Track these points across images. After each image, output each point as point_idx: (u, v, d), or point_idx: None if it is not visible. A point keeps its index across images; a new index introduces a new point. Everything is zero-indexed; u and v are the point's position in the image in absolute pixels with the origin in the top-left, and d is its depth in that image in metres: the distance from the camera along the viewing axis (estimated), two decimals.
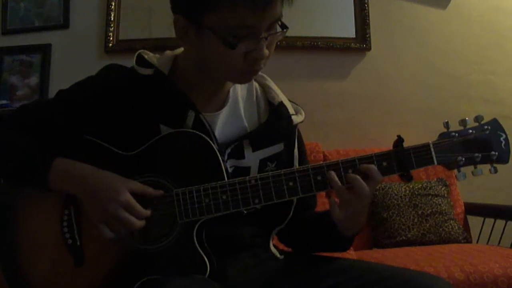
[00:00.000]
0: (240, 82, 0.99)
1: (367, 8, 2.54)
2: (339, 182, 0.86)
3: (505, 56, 2.61)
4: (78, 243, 0.88)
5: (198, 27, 0.85)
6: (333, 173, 0.86)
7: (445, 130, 0.89)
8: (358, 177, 0.85)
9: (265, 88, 1.04)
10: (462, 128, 0.89)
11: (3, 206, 0.94)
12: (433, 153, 0.87)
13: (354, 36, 2.55)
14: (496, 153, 0.88)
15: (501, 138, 0.88)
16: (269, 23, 0.84)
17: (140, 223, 0.84)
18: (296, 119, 1.02)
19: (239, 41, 0.83)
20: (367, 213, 0.91)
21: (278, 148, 0.99)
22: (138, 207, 0.84)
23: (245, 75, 0.92)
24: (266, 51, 0.85)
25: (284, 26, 0.88)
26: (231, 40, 0.82)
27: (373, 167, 0.86)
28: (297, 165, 1.00)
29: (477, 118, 0.89)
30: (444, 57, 2.60)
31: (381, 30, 2.56)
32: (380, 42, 2.56)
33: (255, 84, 1.04)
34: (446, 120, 0.89)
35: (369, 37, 2.54)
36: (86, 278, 0.88)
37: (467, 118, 0.89)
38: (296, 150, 1.02)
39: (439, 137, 0.89)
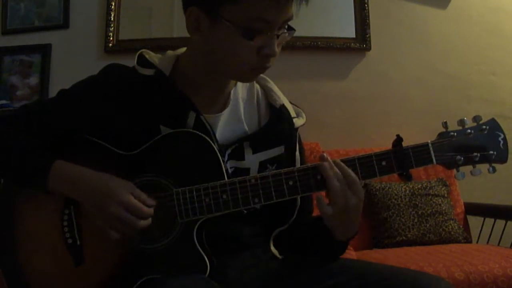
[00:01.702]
0: (245, 80, 0.98)
1: (367, 8, 2.55)
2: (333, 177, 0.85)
3: (505, 56, 2.61)
4: (78, 242, 0.88)
5: (213, 19, 0.85)
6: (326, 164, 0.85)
7: (444, 130, 0.89)
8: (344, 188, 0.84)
9: (266, 90, 1.03)
10: (460, 128, 0.89)
11: (3, 206, 0.94)
12: (432, 152, 0.87)
13: (354, 36, 2.55)
14: (495, 153, 0.88)
15: (500, 138, 0.89)
16: (283, 20, 0.85)
17: (143, 223, 0.84)
18: (297, 122, 1.02)
19: (255, 34, 0.83)
20: (360, 216, 0.90)
21: (278, 150, 0.99)
22: (140, 206, 0.83)
23: (253, 72, 0.91)
24: (277, 49, 0.86)
25: (290, 28, 0.89)
26: (248, 32, 0.83)
27: (349, 171, 0.85)
28: None
29: (476, 118, 0.89)
30: (444, 57, 2.59)
31: (381, 30, 2.57)
32: (380, 42, 2.56)
33: (257, 86, 1.04)
34: (444, 120, 0.89)
35: (369, 37, 2.54)
36: (86, 277, 0.88)
37: (465, 118, 0.89)
38: (297, 153, 1.01)
39: (438, 136, 0.89)
